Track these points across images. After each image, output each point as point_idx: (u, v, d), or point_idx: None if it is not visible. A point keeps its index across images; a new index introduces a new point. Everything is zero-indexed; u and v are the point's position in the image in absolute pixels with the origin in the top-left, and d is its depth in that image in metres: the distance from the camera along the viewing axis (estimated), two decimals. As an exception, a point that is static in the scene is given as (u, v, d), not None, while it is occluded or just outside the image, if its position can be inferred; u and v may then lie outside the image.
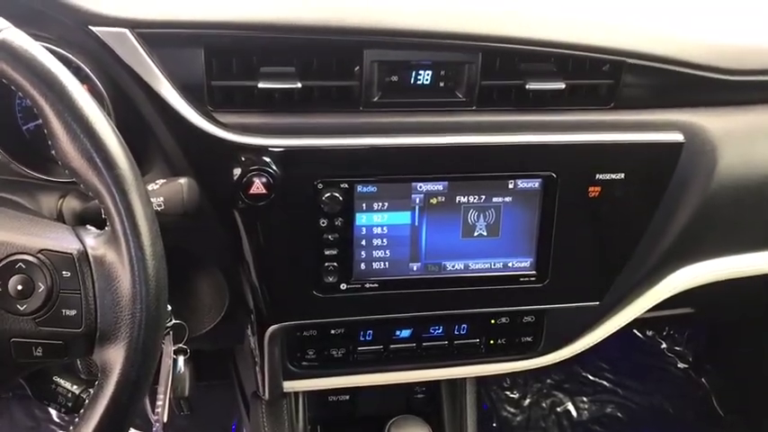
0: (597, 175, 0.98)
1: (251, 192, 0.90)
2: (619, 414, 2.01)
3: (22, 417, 1.85)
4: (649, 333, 2.16)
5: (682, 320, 2.04)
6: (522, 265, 1.02)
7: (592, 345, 1.13)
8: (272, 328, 1.01)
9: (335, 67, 0.92)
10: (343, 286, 0.98)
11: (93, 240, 0.71)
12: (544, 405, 2.02)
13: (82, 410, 0.72)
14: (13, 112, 0.99)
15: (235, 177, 0.90)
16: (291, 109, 0.92)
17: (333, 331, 1.06)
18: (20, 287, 0.69)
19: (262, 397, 1.10)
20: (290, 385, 1.09)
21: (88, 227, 0.74)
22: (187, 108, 0.88)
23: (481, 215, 0.98)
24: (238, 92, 0.91)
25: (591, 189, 0.99)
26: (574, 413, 2.00)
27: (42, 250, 0.70)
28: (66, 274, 0.70)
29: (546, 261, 1.01)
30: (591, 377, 2.08)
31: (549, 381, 2.06)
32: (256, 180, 0.90)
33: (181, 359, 1.00)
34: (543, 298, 1.05)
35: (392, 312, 1.02)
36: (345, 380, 1.10)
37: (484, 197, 0.97)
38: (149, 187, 0.86)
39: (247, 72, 0.90)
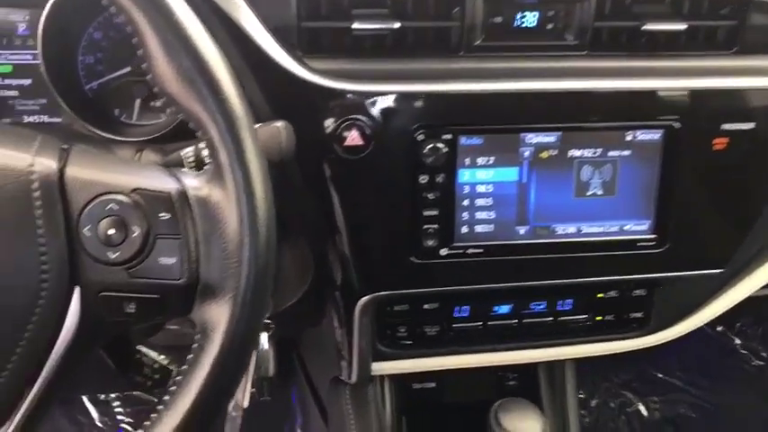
0: (723, 126, 0.88)
1: (347, 143, 0.81)
2: (692, 414, 1.89)
3: (65, 422, 1.77)
4: (720, 329, 2.04)
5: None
6: (640, 228, 0.91)
7: (707, 321, 1.02)
8: (362, 300, 0.91)
9: (433, 7, 0.83)
10: (444, 251, 0.88)
11: (193, 179, 0.62)
12: (612, 405, 1.91)
13: (178, 378, 0.63)
14: (75, 71, 0.92)
15: (329, 128, 0.81)
16: (384, 54, 0.84)
17: (426, 306, 0.97)
18: (111, 232, 0.60)
19: (347, 381, 1.00)
20: (378, 367, 0.99)
21: (183, 169, 0.65)
22: (280, 52, 0.80)
23: (596, 171, 0.88)
24: (330, 35, 0.82)
25: (716, 141, 0.89)
26: (645, 413, 1.89)
27: (136, 189, 0.61)
28: (163, 216, 0.61)
29: (666, 224, 0.91)
30: (661, 376, 1.96)
31: (616, 380, 1.95)
32: (353, 130, 0.81)
33: (264, 335, 0.90)
34: (661, 265, 0.94)
35: (495, 281, 0.92)
36: (439, 361, 1.00)
37: (599, 151, 0.87)
38: None
39: (339, 13, 0.82)
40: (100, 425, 1.77)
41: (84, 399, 1.84)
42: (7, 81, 0.91)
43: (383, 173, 0.84)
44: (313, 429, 1.34)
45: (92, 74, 0.93)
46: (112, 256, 0.60)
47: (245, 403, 0.92)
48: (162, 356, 0.71)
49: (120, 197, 0.60)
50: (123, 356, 0.71)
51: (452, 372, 1.06)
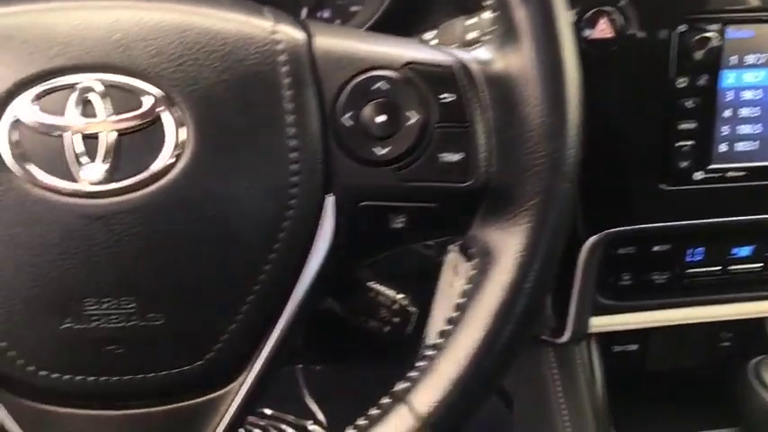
0: None
1: (593, 36, 0.65)
2: None
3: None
4: None
5: None
6: None
7: None
8: (591, 239, 0.75)
9: None
10: (698, 175, 0.72)
11: (478, 51, 0.47)
12: None
13: (454, 314, 0.48)
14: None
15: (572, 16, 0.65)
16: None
17: (656, 248, 0.80)
18: (380, 119, 0.45)
19: (553, 341, 0.84)
20: (598, 322, 0.83)
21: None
22: None
23: None
24: None
25: None
26: None
27: (410, 64, 0.46)
28: (445, 98, 0.46)
29: None
30: None
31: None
32: (601, 20, 0.65)
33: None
34: None
35: (755, 212, 0.75)
36: (667, 314, 0.84)
37: None
38: None
39: None
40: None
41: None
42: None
43: (632, 75, 0.68)
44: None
45: None
46: (380, 152, 0.45)
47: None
48: (400, 295, 0.56)
49: (389, 73, 0.45)
50: (356, 298, 0.57)
51: (658, 331, 0.90)
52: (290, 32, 0.45)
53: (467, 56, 0.47)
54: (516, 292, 0.46)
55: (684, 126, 0.70)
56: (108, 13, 0.43)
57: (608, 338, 0.93)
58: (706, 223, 0.76)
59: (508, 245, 0.47)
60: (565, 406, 0.86)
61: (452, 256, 0.75)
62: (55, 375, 0.45)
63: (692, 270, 0.81)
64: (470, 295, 0.48)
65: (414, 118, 0.45)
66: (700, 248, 0.81)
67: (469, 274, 0.49)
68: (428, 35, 0.60)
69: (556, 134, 0.45)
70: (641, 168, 0.72)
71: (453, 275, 0.74)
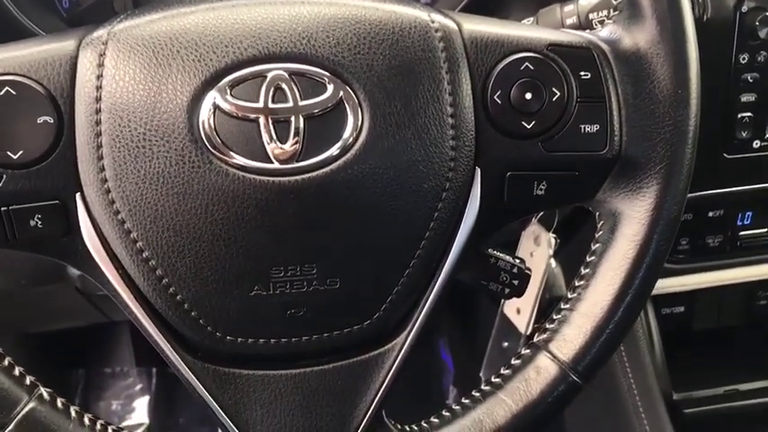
0: None
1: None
2: None
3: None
4: None
5: None
6: None
7: None
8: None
9: None
10: (756, 143, 0.79)
11: (608, 31, 0.52)
12: None
13: (578, 284, 0.54)
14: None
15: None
16: None
17: (711, 213, 0.87)
18: (528, 96, 0.50)
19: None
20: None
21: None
22: None
23: None
24: None
25: None
26: None
27: (552, 45, 0.51)
28: (585, 75, 0.51)
29: None
30: None
31: None
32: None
33: (549, 250, 0.80)
34: None
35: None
36: (719, 275, 0.90)
37: None
38: None
39: None
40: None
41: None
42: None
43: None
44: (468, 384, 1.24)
45: None
46: (528, 126, 0.51)
47: (528, 330, 0.83)
48: (517, 259, 0.61)
49: (534, 55, 0.51)
50: (477, 262, 0.62)
51: (703, 293, 0.97)
52: (443, 21, 0.50)
53: (595, 37, 0.52)
54: (646, 246, 0.52)
55: (745, 99, 0.76)
56: (288, 9, 0.48)
57: (657, 302, 1.00)
58: (759, 188, 0.83)
59: (636, 206, 0.52)
60: (628, 364, 0.92)
61: (533, 228, 0.80)
62: (240, 340, 0.50)
63: (742, 233, 0.88)
64: (601, 252, 0.54)
65: (557, 94, 0.50)
66: (749, 212, 0.88)
67: (597, 235, 0.55)
68: (526, 21, 0.65)
69: (681, 104, 0.50)
70: (704, 138, 0.78)
71: (535, 245, 0.80)
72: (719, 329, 1.03)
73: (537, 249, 0.79)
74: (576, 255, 0.87)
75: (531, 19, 0.66)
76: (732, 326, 1.04)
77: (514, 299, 0.68)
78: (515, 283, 0.61)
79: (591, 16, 0.63)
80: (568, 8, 0.63)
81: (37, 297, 1.03)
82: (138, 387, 1.64)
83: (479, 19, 0.52)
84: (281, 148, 0.46)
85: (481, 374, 0.95)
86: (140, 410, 1.59)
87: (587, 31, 0.55)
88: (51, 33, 0.54)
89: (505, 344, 0.88)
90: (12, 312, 1.05)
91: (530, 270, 0.63)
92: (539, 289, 0.79)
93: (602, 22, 0.63)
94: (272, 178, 0.47)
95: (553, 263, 0.82)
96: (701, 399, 0.98)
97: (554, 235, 0.81)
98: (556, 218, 0.81)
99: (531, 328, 0.82)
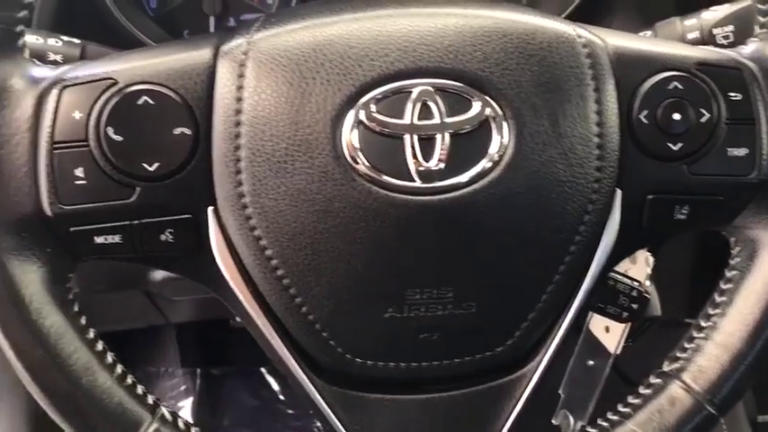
0: None
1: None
2: None
3: (247, 396, 1.68)
4: None
5: None
6: None
7: None
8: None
9: None
10: None
11: (760, 46, 0.50)
12: None
13: (714, 312, 0.52)
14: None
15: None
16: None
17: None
18: (676, 117, 0.48)
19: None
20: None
21: None
22: None
23: None
24: None
25: None
26: None
27: (701, 64, 0.49)
28: (734, 96, 0.49)
29: None
30: None
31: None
32: None
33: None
34: None
35: None
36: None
37: None
38: None
39: None
40: (282, 397, 1.68)
41: (263, 370, 1.75)
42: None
43: None
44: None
45: None
46: (673, 148, 0.49)
47: (618, 349, 0.80)
48: (636, 282, 0.59)
49: (683, 74, 0.48)
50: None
51: None
52: (589, 36, 0.48)
53: (737, 54, 0.50)
54: None
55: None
56: (435, 21, 0.46)
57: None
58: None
59: None
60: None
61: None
62: (370, 362, 0.48)
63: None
64: (738, 280, 0.52)
65: (706, 115, 0.48)
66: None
67: (733, 262, 0.53)
68: (643, 34, 0.63)
69: None
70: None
71: (630, 263, 0.77)
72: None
73: (633, 268, 0.77)
74: (667, 273, 0.85)
75: (650, 32, 0.63)
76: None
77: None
78: (634, 306, 0.59)
79: (715, 31, 0.60)
80: (690, 22, 0.61)
81: (104, 299, 1.02)
82: (183, 388, 1.64)
83: (622, 34, 0.50)
84: (425, 167, 0.45)
85: (560, 392, 0.92)
86: (185, 411, 1.59)
87: (728, 48, 0.52)
88: (180, 40, 0.52)
89: (591, 362, 0.85)
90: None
91: (648, 294, 0.61)
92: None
93: (726, 38, 0.60)
94: (414, 197, 0.45)
95: (647, 282, 0.79)
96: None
97: (650, 254, 0.79)
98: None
99: (620, 347, 0.80)
